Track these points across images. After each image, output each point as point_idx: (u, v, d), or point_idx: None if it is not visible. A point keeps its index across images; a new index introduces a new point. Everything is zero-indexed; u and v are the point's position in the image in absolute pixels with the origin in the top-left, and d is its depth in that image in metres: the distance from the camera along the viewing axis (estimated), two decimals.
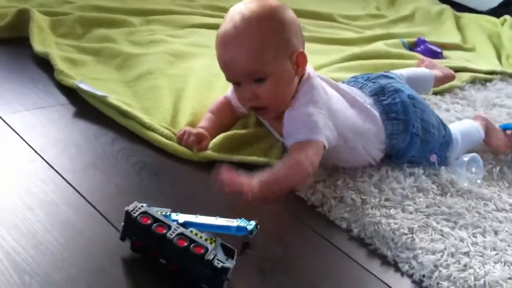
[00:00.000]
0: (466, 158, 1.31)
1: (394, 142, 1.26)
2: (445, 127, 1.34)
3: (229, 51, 1.12)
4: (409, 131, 1.26)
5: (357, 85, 1.33)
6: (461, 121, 1.53)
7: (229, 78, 1.17)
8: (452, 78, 1.70)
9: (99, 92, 1.31)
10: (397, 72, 1.48)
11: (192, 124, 1.29)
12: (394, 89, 1.29)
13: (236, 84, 1.17)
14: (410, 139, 1.26)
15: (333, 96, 1.21)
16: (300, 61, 1.15)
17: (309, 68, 1.21)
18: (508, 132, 1.48)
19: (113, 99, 1.29)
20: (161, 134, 1.23)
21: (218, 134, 1.25)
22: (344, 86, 1.29)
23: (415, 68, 1.63)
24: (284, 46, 1.13)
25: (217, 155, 1.20)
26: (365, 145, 1.23)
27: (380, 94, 1.29)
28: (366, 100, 1.28)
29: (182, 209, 1.03)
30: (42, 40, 1.55)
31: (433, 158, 1.30)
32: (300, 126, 1.13)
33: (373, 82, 1.32)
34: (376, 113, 1.26)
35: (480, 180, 1.30)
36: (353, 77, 1.40)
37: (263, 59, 1.11)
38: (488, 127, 1.47)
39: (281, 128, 1.17)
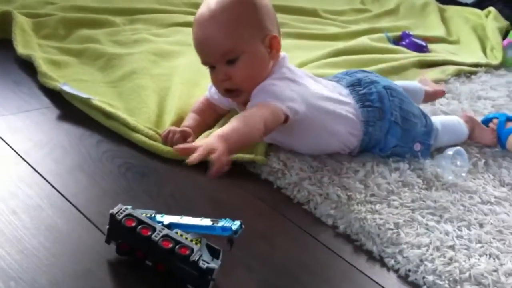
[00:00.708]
0: (450, 151, 1.32)
1: (370, 130, 1.27)
2: (425, 116, 1.36)
3: (203, 30, 1.17)
4: (386, 119, 1.27)
5: (335, 79, 1.36)
6: (448, 116, 1.53)
7: (204, 60, 1.20)
8: (442, 94, 1.66)
9: (82, 94, 1.30)
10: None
11: (177, 123, 1.29)
12: (370, 80, 1.32)
13: (211, 67, 1.20)
14: (388, 127, 1.27)
15: (303, 75, 1.26)
16: (273, 44, 1.19)
17: (284, 56, 1.24)
18: (492, 124, 1.49)
19: (97, 100, 1.29)
20: (146, 135, 1.23)
21: (202, 132, 1.26)
22: (320, 79, 1.32)
23: (407, 81, 1.63)
24: (257, 28, 1.18)
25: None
26: (335, 126, 1.24)
27: (356, 85, 1.31)
28: (342, 91, 1.30)
29: (169, 209, 1.04)
30: (25, 42, 1.54)
31: (417, 147, 1.32)
32: (261, 93, 1.16)
33: (350, 76, 1.35)
34: (350, 101, 1.28)
35: (465, 173, 1.31)
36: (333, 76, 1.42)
37: (235, 37, 1.15)
38: (474, 125, 1.49)
39: None
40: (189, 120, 1.29)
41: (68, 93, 1.32)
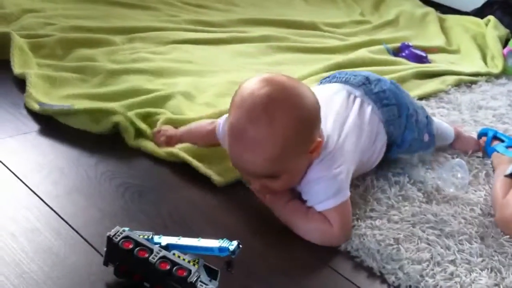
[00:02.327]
0: (451, 163, 1.32)
1: (391, 129, 1.25)
2: (421, 107, 1.38)
3: (240, 150, 1.02)
4: (404, 115, 1.26)
5: (341, 79, 1.28)
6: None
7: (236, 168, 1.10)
8: (474, 145, 1.50)
9: (64, 107, 1.33)
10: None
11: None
12: (376, 78, 1.28)
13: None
14: (406, 122, 1.26)
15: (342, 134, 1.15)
16: (316, 148, 1.06)
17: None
18: (481, 141, 1.49)
19: (78, 105, 1.34)
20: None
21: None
22: (336, 98, 1.23)
23: (440, 121, 1.51)
24: (304, 146, 1.04)
25: (181, 154, 1.24)
26: (375, 150, 1.23)
27: (367, 83, 1.26)
28: (356, 93, 1.23)
29: (167, 229, 1.04)
30: (23, 62, 1.54)
31: (426, 137, 1.32)
32: (325, 191, 1.07)
33: (355, 75, 1.28)
34: (370, 107, 1.22)
35: (466, 185, 1.31)
36: (328, 77, 1.35)
37: (278, 166, 1.02)
38: (459, 134, 1.49)
39: None
40: (186, 130, 1.29)
41: (47, 110, 1.34)
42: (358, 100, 1.23)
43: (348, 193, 1.09)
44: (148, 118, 1.36)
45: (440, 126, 1.43)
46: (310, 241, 1.07)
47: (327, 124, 1.14)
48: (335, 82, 1.29)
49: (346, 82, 1.26)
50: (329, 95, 1.23)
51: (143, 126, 1.32)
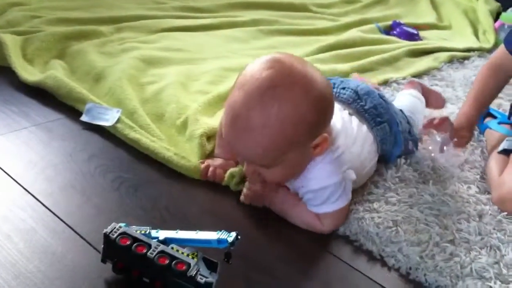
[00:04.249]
0: (438, 138, 1.31)
1: (384, 147, 1.21)
2: (401, 110, 1.30)
3: (237, 136, 0.96)
4: (393, 131, 1.21)
5: None
6: (400, 96, 1.48)
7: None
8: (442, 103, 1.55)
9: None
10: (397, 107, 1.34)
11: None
12: (365, 91, 1.21)
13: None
14: (395, 137, 1.22)
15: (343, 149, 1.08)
16: (321, 144, 0.99)
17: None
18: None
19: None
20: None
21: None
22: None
23: (408, 98, 1.46)
24: (306, 137, 0.96)
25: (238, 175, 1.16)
26: (370, 166, 1.19)
27: (357, 99, 1.19)
28: (349, 111, 1.18)
29: (165, 222, 1.03)
30: (24, 66, 1.52)
31: (410, 145, 1.29)
32: (329, 195, 1.04)
33: (343, 88, 1.21)
34: (364, 126, 1.17)
35: (451, 146, 1.30)
36: None
37: (275, 157, 0.96)
38: (424, 91, 1.48)
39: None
40: (220, 148, 1.20)
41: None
42: (353, 117, 1.17)
43: (350, 197, 1.07)
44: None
45: (412, 108, 1.38)
46: None
47: (336, 123, 1.08)
48: None
49: (335, 98, 1.18)
50: None
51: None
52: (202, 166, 1.16)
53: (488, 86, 1.33)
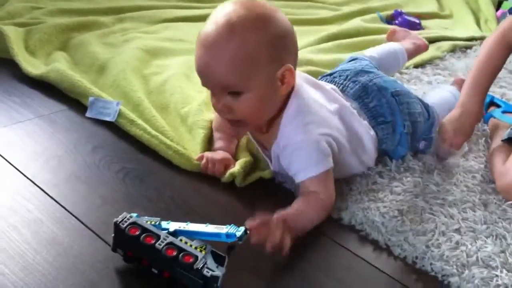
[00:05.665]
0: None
1: (383, 147, 1.21)
2: (426, 107, 1.30)
3: (206, 56, 1.01)
4: (398, 132, 1.21)
5: (338, 86, 1.23)
6: (438, 89, 1.50)
7: (203, 84, 1.07)
8: (425, 48, 1.63)
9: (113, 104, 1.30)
10: (368, 54, 1.41)
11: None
12: (377, 88, 1.21)
13: (211, 91, 1.07)
14: (399, 138, 1.21)
15: (324, 109, 1.11)
16: (286, 77, 1.03)
17: (301, 84, 1.10)
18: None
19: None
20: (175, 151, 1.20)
21: (236, 147, 1.22)
22: (328, 88, 1.18)
23: (384, 45, 1.54)
24: (269, 63, 1.01)
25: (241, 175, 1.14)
26: (360, 155, 1.17)
27: (363, 96, 1.20)
28: (352, 105, 1.19)
29: (171, 213, 1.03)
30: (27, 58, 1.51)
31: (422, 145, 1.27)
32: (307, 159, 1.05)
33: (354, 82, 1.23)
34: (365, 122, 1.18)
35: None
36: (330, 74, 1.30)
37: (241, 74, 1.00)
38: (409, 49, 1.52)
39: (265, 141, 1.14)
40: (218, 141, 1.20)
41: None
42: (354, 111, 1.18)
43: (331, 164, 1.06)
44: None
45: (447, 106, 1.35)
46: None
47: (311, 91, 1.12)
48: (335, 84, 1.24)
49: (343, 91, 1.22)
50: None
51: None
52: (202, 162, 1.15)
53: (493, 56, 1.27)
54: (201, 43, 1.02)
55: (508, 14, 2.18)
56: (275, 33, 1.01)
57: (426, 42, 1.65)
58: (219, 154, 1.17)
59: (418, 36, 1.68)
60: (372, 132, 1.18)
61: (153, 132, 1.23)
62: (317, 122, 1.07)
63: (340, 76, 1.27)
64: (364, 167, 1.20)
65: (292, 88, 1.07)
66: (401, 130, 1.21)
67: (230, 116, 1.06)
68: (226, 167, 1.15)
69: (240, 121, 1.07)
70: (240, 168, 1.13)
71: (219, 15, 1.02)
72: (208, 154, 1.17)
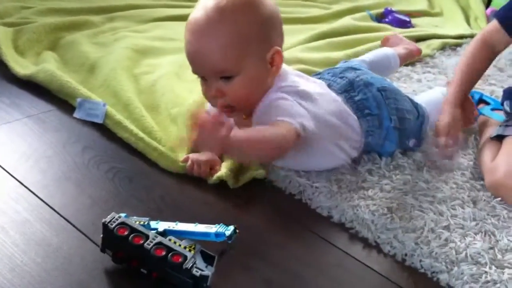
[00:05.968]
0: None
1: (370, 140, 1.20)
2: (416, 106, 1.30)
3: (197, 42, 1.02)
4: (385, 126, 1.20)
5: (325, 82, 1.24)
6: (431, 91, 1.52)
7: (194, 71, 1.07)
8: (417, 52, 1.70)
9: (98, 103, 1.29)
10: (359, 58, 1.44)
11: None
12: (363, 83, 1.22)
13: (202, 78, 1.08)
14: (386, 133, 1.21)
15: (307, 89, 1.13)
16: (275, 60, 1.06)
17: (286, 68, 1.13)
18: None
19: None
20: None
21: None
22: (313, 79, 1.22)
23: (377, 50, 1.58)
24: (259, 43, 1.03)
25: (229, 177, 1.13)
26: (339, 142, 1.17)
27: (350, 90, 1.22)
28: (338, 98, 1.20)
29: (161, 213, 1.03)
30: (16, 59, 1.50)
31: (412, 143, 1.27)
32: (270, 109, 1.06)
33: (341, 78, 1.24)
34: (350, 111, 1.19)
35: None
36: (317, 74, 1.32)
37: (233, 57, 1.02)
38: (402, 55, 1.55)
39: (249, 126, 1.13)
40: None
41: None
42: (339, 99, 1.19)
43: (294, 124, 1.03)
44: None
45: (438, 105, 1.35)
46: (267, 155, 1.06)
47: (295, 78, 1.14)
48: (322, 81, 1.25)
49: (329, 86, 1.23)
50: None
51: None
52: (187, 164, 1.14)
53: (475, 60, 1.32)
54: (192, 29, 1.03)
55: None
56: (264, 13, 1.04)
57: (419, 48, 1.66)
58: (204, 155, 1.15)
59: (411, 42, 1.72)
60: (355, 118, 1.19)
61: (140, 134, 1.21)
62: (297, 94, 1.09)
63: (328, 73, 1.29)
64: (346, 156, 1.19)
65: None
66: (387, 124, 1.21)
67: (222, 101, 1.07)
68: (212, 168, 1.14)
69: (231, 106, 1.07)
70: (228, 170, 1.13)
71: (207, 1, 1.03)
72: (193, 155, 1.15)
